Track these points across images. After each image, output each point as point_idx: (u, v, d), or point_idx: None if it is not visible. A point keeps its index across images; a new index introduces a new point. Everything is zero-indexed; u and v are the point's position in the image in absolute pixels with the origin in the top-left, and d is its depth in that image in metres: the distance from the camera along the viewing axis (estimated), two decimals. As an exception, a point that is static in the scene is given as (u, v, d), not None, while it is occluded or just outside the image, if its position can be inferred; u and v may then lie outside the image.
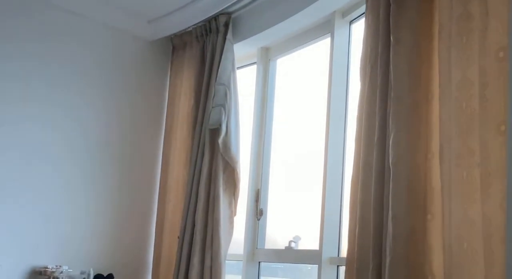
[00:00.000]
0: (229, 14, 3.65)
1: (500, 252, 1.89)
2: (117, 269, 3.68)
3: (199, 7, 3.73)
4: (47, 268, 3.40)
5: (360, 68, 2.67)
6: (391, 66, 2.41)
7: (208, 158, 3.49)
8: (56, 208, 3.57)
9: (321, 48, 3.36)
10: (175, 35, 4.06)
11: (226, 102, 3.48)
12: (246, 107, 3.71)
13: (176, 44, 4.10)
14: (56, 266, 3.43)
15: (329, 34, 3.19)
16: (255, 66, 3.74)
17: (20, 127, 3.49)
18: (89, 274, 3.41)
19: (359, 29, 3.02)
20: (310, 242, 3.14)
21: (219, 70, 3.53)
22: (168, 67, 4.15)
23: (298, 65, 3.62)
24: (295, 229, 3.31)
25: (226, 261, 3.37)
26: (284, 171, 3.56)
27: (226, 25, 3.63)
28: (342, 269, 2.82)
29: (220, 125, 3.43)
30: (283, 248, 3.27)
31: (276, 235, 3.50)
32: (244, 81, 3.79)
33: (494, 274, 1.91)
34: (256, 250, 3.50)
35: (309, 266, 3.22)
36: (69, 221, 3.61)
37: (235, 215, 3.48)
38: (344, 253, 2.79)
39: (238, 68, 3.68)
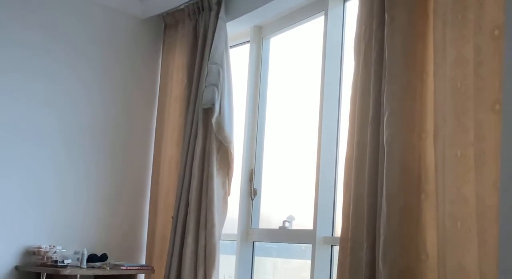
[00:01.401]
0: (221, -8, 3.61)
1: (493, 231, 1.89)
2: (111, 249, 3.69)
3: (191, -16, 3.69)
4: (40, 248, 3.40)
5: (354, 46, 2.65)
6: (385, 45, 2.39)
7: (202, 138, 3.48)
8: (49, 189, 3.56)
9: (315, 26, 3.33)
10: (167, 13, 4.01)
11: (219, 81, 3.45)
12: (240, 86, 3.68)
13: (168, 22, 4.05)
14: (50, 246, 3.42)
15: (323, 12, 3.15)
16: (248, 45, 3.71)
17: (11, 106, 3.46)
18: (83, 254, 3.41)
19: (353, 7, 2.98)
20: (304, 221, 3.15)
21: (212, 49, 3.49)
22: (160, 45, 4.11)
23: (291, 44, 3.59)
24: (289, 209, 3.31)
25: (220, 241, 3.38)
26: (278, 151, 3.55)
27: (219, 3, 3.58)
28: (336, 248, 2.83)
29: (213, 104, 3.41)
30: (277, 228, 3.28)
31: (270, 215, 3.51)
32: (237, 60, 3.76)
33: (487, 252, 1.92)
34: (250, 230, 3.50)
35: (303, 246, 3.23)
36: (62, 202, 3.60)
37: (229, 195, 3.48)
38: (338, 232, 2.80)
39: (231, 47, 3.65)
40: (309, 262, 2.99)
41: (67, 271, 3.28)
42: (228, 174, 3.47)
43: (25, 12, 3.54)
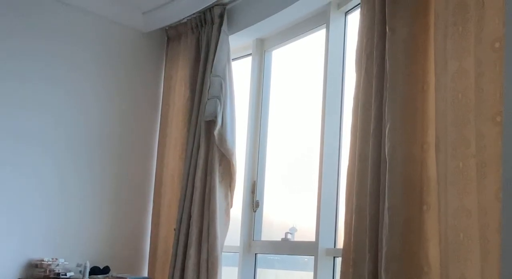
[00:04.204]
0: (223, 5, 3.64)
1: (495, 242, 1.89)
2: (114, 262, 3.68)
3: (194, -2, 3.72)
4: (43, 261, 3.40)
5: (356, 59, 2.67)
6: (386, 57, 2.40)
7: (204, 150, 3.49)
8: (52, 201, 3.56)
9: (316, 39, 3.35)
10: (170, 26, 4.04)
11: (221, 93, 3.47)
12: (242, 98, 3.70)
13: (171, 36, 4.08)
14: (53, 259, 3.42)
15: (325, 25, 3.18)
16: (250, 58, 3.73)
17: (15, 115, 3.48)
18: (85, 267, 3.40)
19: (354, 20, 3.01)
20: (306, 233, 3.15)
21: (214, 61, 3.51)
22: (163, 58, 4.13)
23: (293, 57, 3.61)
24: (292, 221, 3.31)
25: (223, 253, 3.38)
26: (280, 163, 3.56)
27: (221, 17, 3.61)
28: (339, 260, 2.82)
29: (216, 117, 3.42)
30: (280, 239, 3.28)
31: (273, 227, 3.50)
32: (240, 73, 3.78)
33: (489, 264, 1.91)
34: (252, 242, 3.50)
35: (306, 258, 3.23)
36: (65, 214, 3.60)
37: (231, 207, 3.49)
38: (340, 244, 2.80)
39: (233, 59, 3.67)
40: (311, 274, 2.98)
41: (69, 284, 3.28)
42: (230, 186, 3.48)
43: (29, 24, 3.57)
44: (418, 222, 2.24)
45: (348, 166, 2.62)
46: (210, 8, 3.66)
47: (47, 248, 3.49)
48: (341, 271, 2.56)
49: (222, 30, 3.57)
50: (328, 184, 2.99)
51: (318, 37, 3.33)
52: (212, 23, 3.64)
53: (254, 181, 3.56)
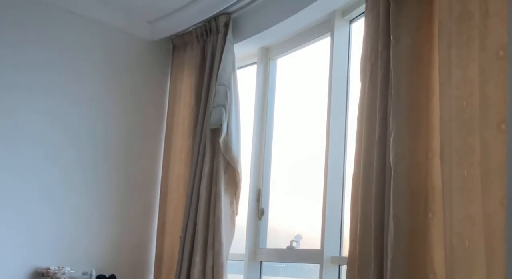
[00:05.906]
0: (229, 14, 3.66)
1: (501, 250, 1.89)
2: (119, 270, 3.69)
3: (199, 7, 3.74)
4: (49, 269, 3.40)
5: (360, 67, 2.68)
6: (391, 65, 2.41)
7: (209, 158, 3.50)
8: (58, 209, 3.57)
9: (321, 47, 3.37)
10: (175, 35, 4.06)
11: (226, 102, 3.48)
12: (247, 106, 3.71)
13: (176, 44, 4.10)
14: (59, 267, 3.43)
15: (329, 33, 3.19)
16: (255, 66, 3.74)
17: (23, 127, 3.51)
18: (91, 275, 3.41)
19: (359, 28, 3.02)
20: (311, 241, 3.15)
21: (220, 70, 3.53)
22: (169, 67, 4.15)
23: (298, 65, 3.63)
24: (297, 229, 3.31)
25: (228, 261, 3.38)
26: (285, 171, 3.56)
27: (226, 25, 3.63)
28: (344, 268, 2.82)
29: (221, 125, 3.44)
30: (285, 247, 3.28)
31: (278, 235, 3.50)
32: (245, 81, 3.79)
33: (495, 272, 1.91)
34: (257, 250, 3.50)
35: (311, 266, 3.23)
36: (71, 222, 3.61)
37: (236, 214, 3.49)
38: (345, 252, 2.79)
39: (238, 68, 3.68)
40: (317, 282, 2.98)
41: (75, 292, 3.29)
42: (235, 194, 3.49)
43: (35, 33, 3.59)
44: (423, 230, 2.24)
45: (353, 174, 2.62)
46: (215, 17, 3.68)
47: (53, 257, 3.50)
48: (346, 279, 2.56)
49: (227, 39, 3.59)
50: (333, 192, 3.00)
51: (322, 45, 3.34)
52: (218, 32, 3.66)
53: (259, 189, 3.56)
